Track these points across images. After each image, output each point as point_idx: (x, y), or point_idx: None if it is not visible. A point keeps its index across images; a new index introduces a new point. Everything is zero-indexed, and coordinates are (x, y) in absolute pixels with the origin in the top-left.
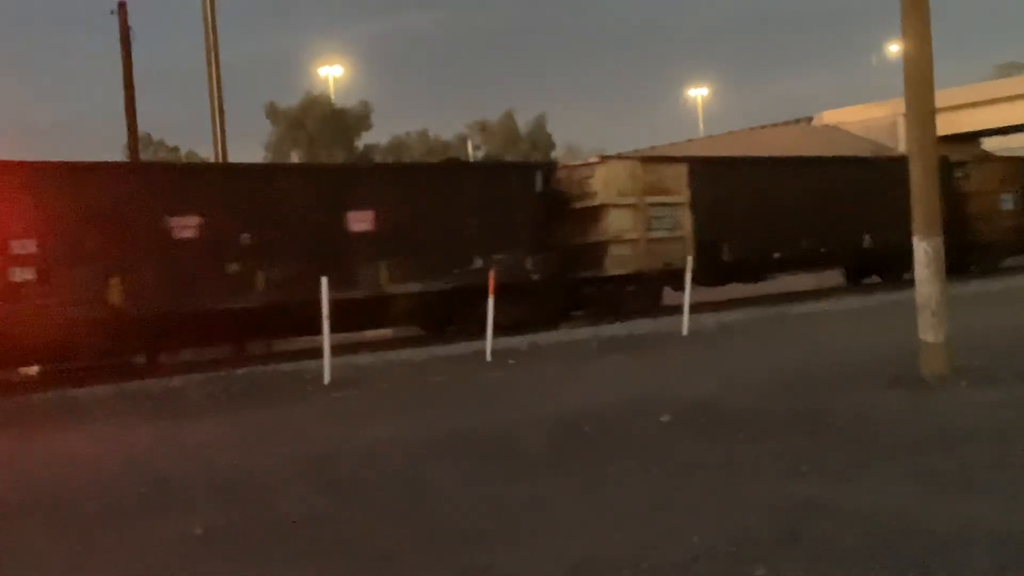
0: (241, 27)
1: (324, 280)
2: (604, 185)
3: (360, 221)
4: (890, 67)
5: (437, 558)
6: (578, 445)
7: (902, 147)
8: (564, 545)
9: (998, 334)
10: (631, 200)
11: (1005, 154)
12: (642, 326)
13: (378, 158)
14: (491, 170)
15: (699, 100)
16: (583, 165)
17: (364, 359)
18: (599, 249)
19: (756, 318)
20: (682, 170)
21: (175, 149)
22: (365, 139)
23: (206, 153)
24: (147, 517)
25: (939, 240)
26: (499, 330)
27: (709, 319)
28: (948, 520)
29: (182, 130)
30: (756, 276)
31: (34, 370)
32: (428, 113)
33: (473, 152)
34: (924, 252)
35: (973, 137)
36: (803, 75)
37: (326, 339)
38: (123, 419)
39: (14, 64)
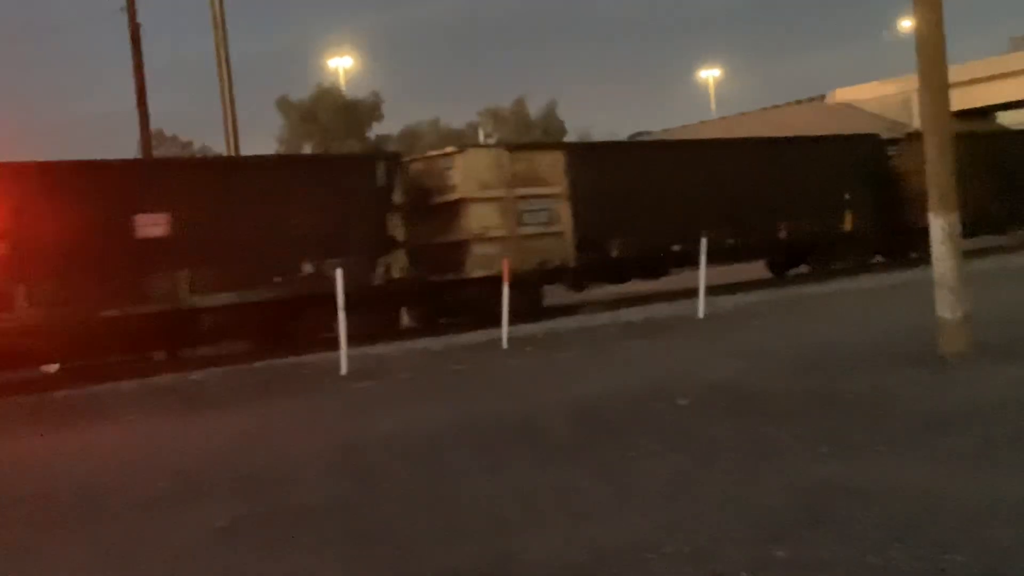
0: (253, 20)
1: (339, 271)
2: (464, 177)
3: (151, 225)
4: (904, 43)
5: (462, 546)
6: (598, 430)
7: (916, 123)
8: (587, 530)
9: (1013, 311)
10: (497, 193)
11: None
12: (660, 310)
13: (391, 148)
14: (321, 163)
15: (711, 81)
16: (441, 155)
17: (381, 349)
18: (460, 249)
19: (772, 299)
20: (558, 158)
21: (188, 144)
22: (376, 130)
23: (220, 148)
24: (171, 509)
25: (955, 216)
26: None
27: (726, 301)
28: (971, 497)
29: (196, 124)
30: (653, 272)
31: (54, 368)
32: (440, 102)
33: (485, 139)
34: (940, 229)
35: (988, 111)
36: (818, 53)
37: (342, 329)
38: (146, 414)
39: (29, 63)
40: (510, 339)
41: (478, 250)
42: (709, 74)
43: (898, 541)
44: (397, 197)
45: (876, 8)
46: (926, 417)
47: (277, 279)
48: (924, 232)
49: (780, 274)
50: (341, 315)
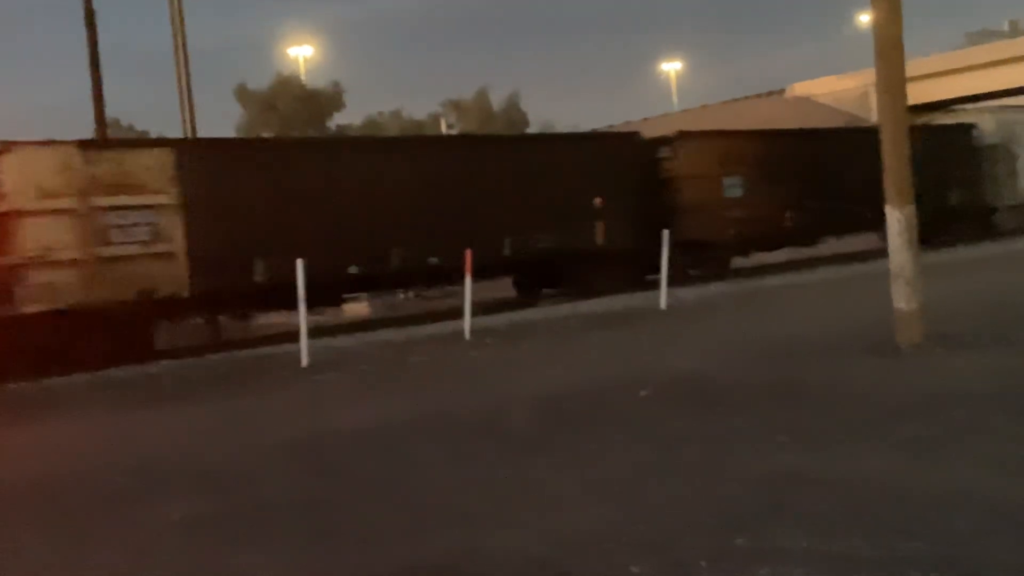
0: (210, 8)
1: (300, 262)
2: (15, 183)
3: None
4: (863, 37)
5: (424, 539)
6: (561, 422)
7: (874, 118)
8: (551, 522)
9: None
10: (65, 203)
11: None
12: (620, 301)
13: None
14: None
15: (672, 75)
16: None
17: (343, 341)
18: (7, 276)
19: (734, 292)
20: (164, 158)
21: (144, 134)
22: (337, 119)
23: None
24: (129, 505)
25: (912, 208)
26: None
27: (688, 293)
28: (928, 486)
29: (152, 114)
30: (326, 300)
31: None
32: (402, 93)
33: (447, 131)
34: (897, 221)
35: (945, 106)
36: (781, 49)
37: (303, 321)
38: (101, 408)
39: None
40: (472, 331)
41: (38, 277)
42: (671, 67)
43: (857, 529)
44: None
45: (839, 3)
46: (883, 406)
47: None
48: (705, 247)
49: (529, 295)
50: (302, 306)
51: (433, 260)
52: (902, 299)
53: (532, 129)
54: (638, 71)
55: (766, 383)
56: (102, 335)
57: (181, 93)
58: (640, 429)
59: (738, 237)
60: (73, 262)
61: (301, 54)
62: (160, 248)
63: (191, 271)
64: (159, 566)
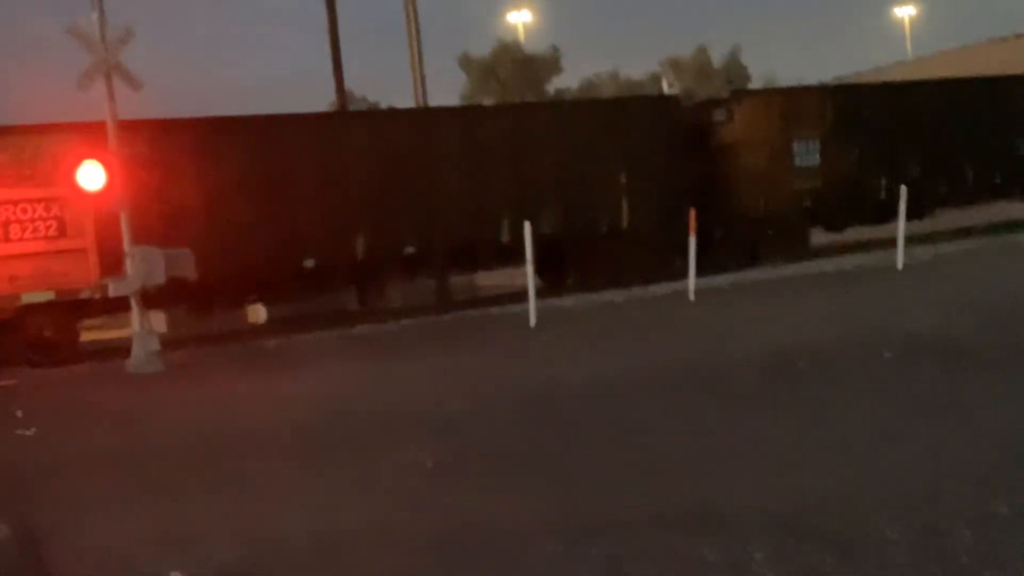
0: None
1: (527, 224)
2: None
3: None
4: None
5: (657, 491)
6: (794, 381)
7: None
8: (789, 480)
9: None
10: None
11: None
12: (853, 261)
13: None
14: None
15: (906, 20)
16: None
17: (567, 302)
18: None
19: (976, 248)
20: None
21: (375, 105)
22: (556, 84)
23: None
24: (379, 450)
25: None
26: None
27: (926, 252)
28: None
29: (378, 85)
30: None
31: (263, 318)
32: (619, 53)
33: (668, 89)
34: None
35: None
36: None
37: (531, 282)
38: (347, 361)
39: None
40: (696, 291)
41: None
42: (904, 12)
43: None
44: None
45: None
46: None
47: None
48: (767, 224)
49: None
50: (530, 269)
51: (309, 264)
52: None
53: (754, 84)
54: (869, 18)
55: (1014, 344)
56: None
57: (413, 63)
58: (879, 389)
59: (813, 210)
60: None
61: (520, 19)
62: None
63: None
64: (415, 507)
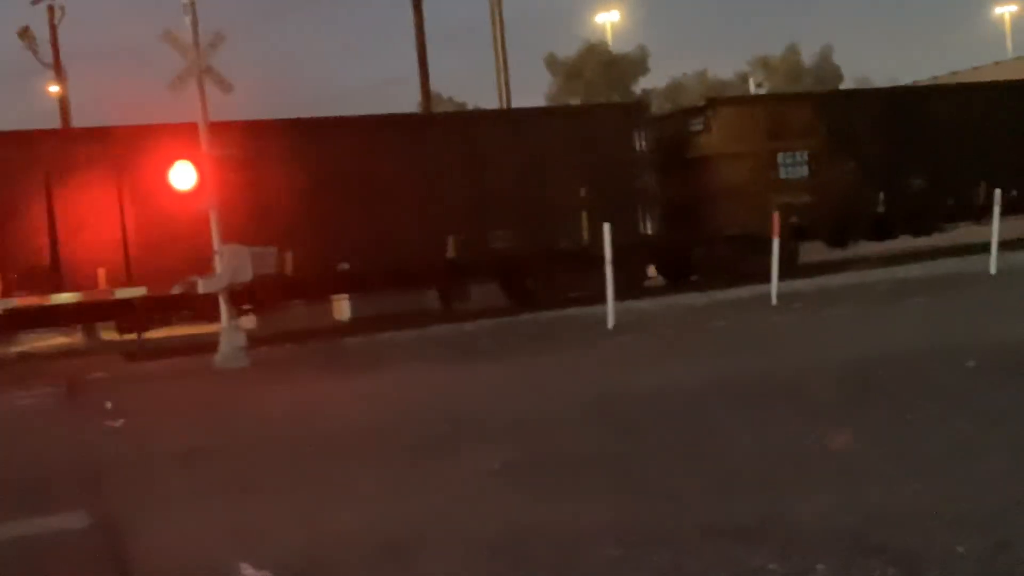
0: None
1: (606, 226)
2: None
3: None
4: None
5: (728, 501)
6: (874, 391)
7: None
8: (858, 494)
9: None
10: None
11: None
12: (944, 266)
13: (655, 103)
14: None
15: (1007, 17)
16: None
17: (645, 304)
18: None
19: None
20: None
21: (462, 105)
22: (642, 84)
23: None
24: (449, 452)
25: None
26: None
27: (1021, 257)
28: None
29: (464, 86)
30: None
31: (347, 316)
32: (707, 53)
33: (755, 90)
34: None
35: None
36: None
37: (609, 284)
38: (425, 362)
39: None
40: (779, 295)
41: None
42: (1005, 10)
43: None
44: None
45: None
46: None
47: None
48: (751, 242)
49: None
50: (608, 270)
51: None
52: None
53: (846, 85)
54: (968, 16)
55: None
56: None
57: (497, 65)
58: (963, 401)
59: (801, 227)
60: None
61: (608, 20)
62: None
63: None
64: (476, 510)
